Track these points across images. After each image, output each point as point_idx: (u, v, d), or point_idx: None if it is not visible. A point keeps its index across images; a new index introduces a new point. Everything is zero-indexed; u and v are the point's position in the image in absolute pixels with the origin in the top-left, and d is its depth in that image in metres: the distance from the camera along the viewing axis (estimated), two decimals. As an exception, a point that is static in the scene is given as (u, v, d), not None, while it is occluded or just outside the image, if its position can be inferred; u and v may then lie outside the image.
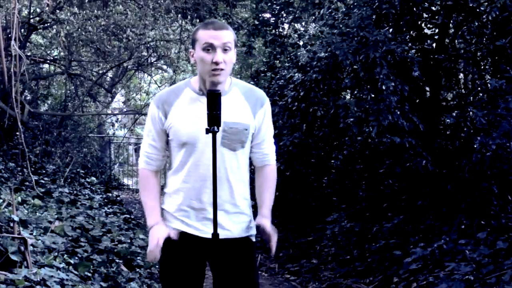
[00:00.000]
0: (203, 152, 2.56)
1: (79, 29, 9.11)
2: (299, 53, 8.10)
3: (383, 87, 5.99)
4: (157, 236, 2.58)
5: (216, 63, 2.50)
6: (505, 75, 5.90)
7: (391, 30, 6.83)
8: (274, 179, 2.76)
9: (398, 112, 6.06)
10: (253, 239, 2.73)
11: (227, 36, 2.53)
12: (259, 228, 2.65)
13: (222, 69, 2.52)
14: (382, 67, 6.01)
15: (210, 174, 2.52)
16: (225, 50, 2.53)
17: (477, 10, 6.56)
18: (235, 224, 2.64)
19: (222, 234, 2.57)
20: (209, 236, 2.54)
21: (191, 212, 2.62)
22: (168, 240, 2.65)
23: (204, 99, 2.53)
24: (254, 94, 2.68)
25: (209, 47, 2.51)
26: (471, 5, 6.38)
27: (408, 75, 6.58)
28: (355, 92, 7.36)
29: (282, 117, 8.03)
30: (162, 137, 2.67)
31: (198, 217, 2.61)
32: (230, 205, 2.62)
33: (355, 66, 6.54)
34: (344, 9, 7.30)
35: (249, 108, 2.63)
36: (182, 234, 2.64)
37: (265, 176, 2.75)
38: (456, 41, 7.25)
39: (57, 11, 9.44)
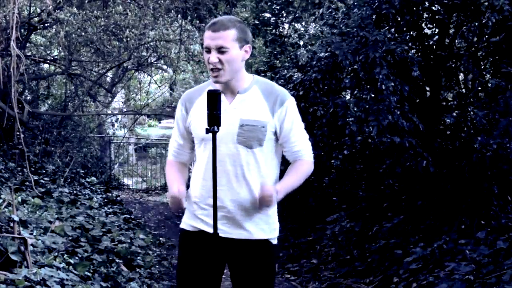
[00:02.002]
0: (218, 148, 2.56)
1: (79, 30, 9.11)
2: (298, 53, 8.10)
3: (383, 87, 5.99)
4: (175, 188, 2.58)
5: (211, 64, 2.54)
6: (503, 70, 5.90)
7: (392, 30, 6.82)
8: (305, 168, 2.70)
9: (398, 112, 6.06)
10: (274, 242, 2.70)
11: (223, 37, 2.53)
12: (262, 188, 2.53)
13: (218, 69, 2.54)
14: (382, 67, 6.01)
15: (225, 170, 2.57)
16: (220, 52, 2.54)
17: (477, 10, 6.56)
18: (256, 226, 2.62)
19: (243, 235, 2.60)
20: (228, 235, 2.57)
21: (210, 211, 2.61)
22: (187, 239, 2.69)
23: (222, 97, 2.53)
24: (274, 92, 2.66)
25: (207, 48, 2.56)
26: (470, 2, 6.38)
27: (408, 75, 6.57)
28: (355, 92, 7.36)
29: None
30: (185, 135, 2.74)
31: (218, 215, 2.61)
32: (251, 204, 2.60)
33: (354, 66, 6.54)
34: (344, 9, 7.30)
35: (267, 107, 2.62)
36: (202, 232, 2.65)
37: (296, 164, 2.70)
38: (456, 40, 7.25)
39: (57, 11, 9.43)
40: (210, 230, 2.61)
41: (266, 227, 2.65)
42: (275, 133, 2.65)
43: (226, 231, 2.59)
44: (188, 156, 2.79)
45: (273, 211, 2.68)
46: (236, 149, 2.57)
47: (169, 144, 2.85)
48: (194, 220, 2.68)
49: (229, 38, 2.54)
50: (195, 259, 2.64)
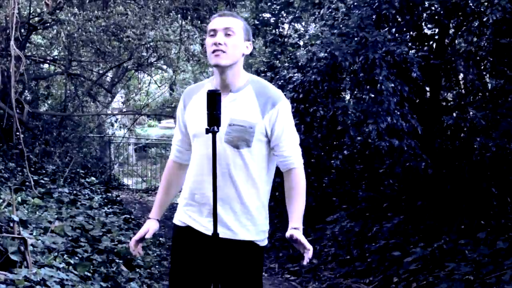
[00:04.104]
0: (207, 146, 2.57)
1: (80, 30, 9.10)
2: (298, 54, 8.09)
3: (383, 88, 5.98)
4: (138, 232, 2.74)
5: (216, 44, 2.54)
6: (508, 73, 5.90)
7: (392, 30, 6.83)
8: (301, 184, 2.63)
9: (398, 113, 6.06)
10: (261, 244, 2.68)
11: (231, 21, 2.58)
12: (291, 238, 2.52)
13: (222, 51, 2.55)
14: (382, 68, 6.01)
15: (211, 169, 2.53)
16: (227, 34, 2.56)
17: (477, 10, 6.56)
18: (242, 226, 2.60)
19: (227, 234, 2.57)
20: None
21: (197, 207, 2.64)
22: (177, 234, 2.72)
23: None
24: (267, 93, 2.63)
25: (213, 32, 2.58)
26: (471, 4, 6.38)
27: (407, 75, 6.58)
28: (355, 92, 7.36)
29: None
30: (183, 129, 2.76)
31: (204, 212, 2.62)
32: (238, 204, 2.59)
33: (354, 67, 6.54)
34: (344, 9, 7.30)
35: (258, 107, 2.60)
36: (190, 228, 2.66)
37: (291, 183, 2.63)
38: (456, 41, 7.26)
39: (57, 11, 9.43)
40: (198, 227, 2.63)
41: (252, 228, 2.62)
42: (266, 135, 2.61)
43: (211, 229, 2.54)
44: (184, 154, 2.80)
45: (260, 212, 2.65)
46: (223, 148, 2.56)
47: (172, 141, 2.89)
48: (183, 215, 2.71)
49: (237, 25, 2.59)
50: (185, 255, 2.66)
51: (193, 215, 2.65)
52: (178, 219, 2.73)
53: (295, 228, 2.55)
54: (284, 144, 2.63)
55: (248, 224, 2.62)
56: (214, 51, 2.55)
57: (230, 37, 2.56)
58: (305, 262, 2.55)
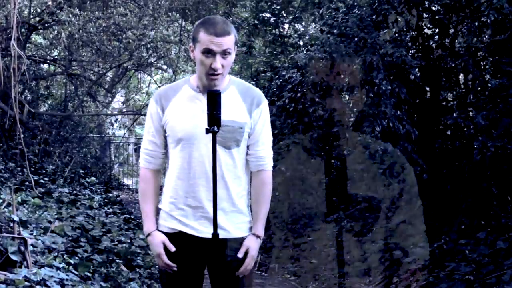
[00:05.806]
0: (197, 149, 2.56)
1: (80, 30, 9.11)
2: (296, 56, 8.10)
3: (380, 91, 5.98)
4: (155, 248, 2.65)
5: (214, 70, 2.51)
6: (507, 68, 5.89)
7: (392, 30, 6.82)
8: (269, 188, 2.69)
9: (398, 113, 6.05)
10: None
11: (228, 42, 2.51)
12: (244, 245, 2.60)
13: (220, 74, 2.53)
14: (379, 70, 6.01)
15: (204, 171, 2.54)
16: (224, 57, 2.52)
17: (477, 10, 6.56)
18: (233, 224, 2.62)
19: (221, 233, 2.54)
20: (207, 235, 2.54)
21: (188, 211, 2.61)
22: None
23: (201, 97, 2.54)
24: (251, 93, 2.66)
25: (209, 52, 2.51)
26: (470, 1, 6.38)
27: (406, 76, 6.58)
28: (355, 93, 7.36)
29: (279, 118, 8.04)
30: (161, 133, 2.67)
31: (196, 215, 2.60)
32: (227, 204, 2.60)
33: (353, 68, 6.54)
34: (344, 9, 7.30)
35: (245, 107, 2.61)
36: (180, 234, 2.63)
37: (260, 186, 2.68)
38: (456, 41, 7.25)
39: (58, 11, 9.44)
40: (189, 231, 2.60)
41: (243, 225, 2.65)
42: (248, 134, 2.64)
43: (204, 231, 2.57)
44: (161, 160, 2.72)
45: (247, 209, 2.69)
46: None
47: (141, 147, 2.78)
48: (170, 221, 2.65)
49: (232, 42, 2.54)
50: (176, 262, 2.62)
51: (183, 219, 2.61)
52: (165, 225, 2.66)
53: (257, 237, 2.64)
54: (260, 144, 2.66)
55: (239, 222, 2.64)
56: (211, 74, 2.52)
57: (226, 58, 2.53)
58: (239, 271, 2.60)
